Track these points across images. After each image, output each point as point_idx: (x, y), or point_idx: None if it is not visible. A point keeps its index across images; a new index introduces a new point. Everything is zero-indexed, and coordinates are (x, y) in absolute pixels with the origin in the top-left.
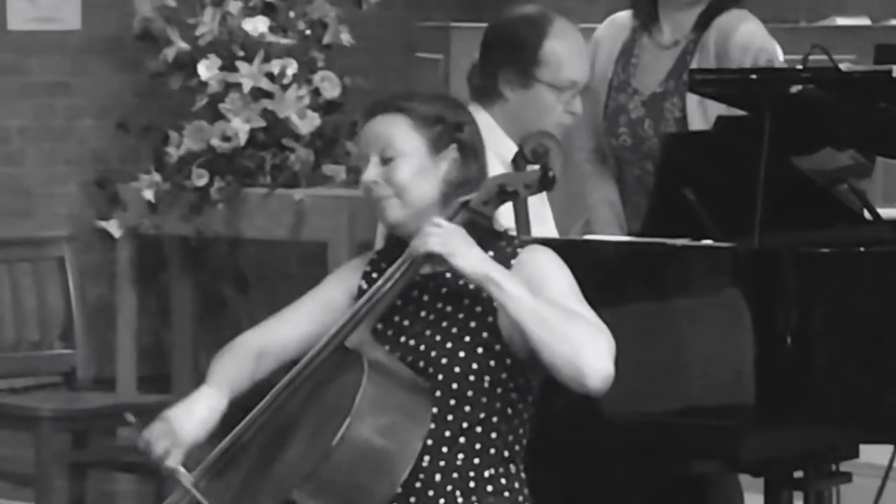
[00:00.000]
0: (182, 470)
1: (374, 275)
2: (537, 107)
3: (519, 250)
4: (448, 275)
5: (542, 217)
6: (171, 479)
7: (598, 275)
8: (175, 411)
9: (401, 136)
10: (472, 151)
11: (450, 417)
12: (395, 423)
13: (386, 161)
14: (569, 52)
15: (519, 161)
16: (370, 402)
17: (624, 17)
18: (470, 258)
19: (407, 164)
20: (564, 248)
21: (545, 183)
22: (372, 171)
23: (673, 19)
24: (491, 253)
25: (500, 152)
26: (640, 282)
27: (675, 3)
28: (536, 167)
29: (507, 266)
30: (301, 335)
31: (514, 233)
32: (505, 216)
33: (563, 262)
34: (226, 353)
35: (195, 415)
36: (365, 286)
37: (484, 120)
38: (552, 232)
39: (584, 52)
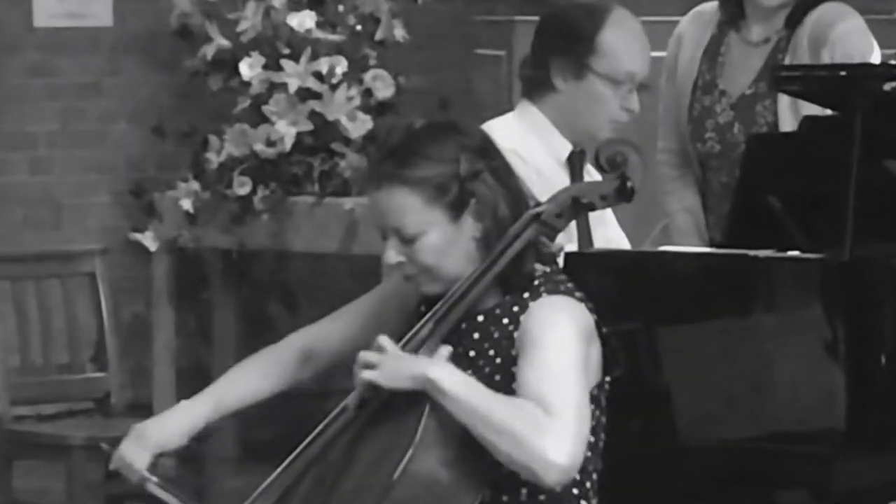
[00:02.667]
0: (147, 474)
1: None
2: (590, 100)
3: (544, 294)
4: (480, 318)
5: (604, 219)
6: (139, 485)
7: (675, 290)
8: (147, 422)
9: (414, 214)
10: (498, 191)
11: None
12: (460, 455)
13: (406, 242)
14: (627, 43)
15: (575, 162)
16: (433, 432)
17: (710, 9)
18: (408, 370)
19: (428, 242)
20: (638, 261)
21: (623, 194)
22: (392, 254)
23: (763, 14)
24: (514, 306)
25: (553, 151)
26: (720, 297)
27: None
28: (613, 177)
29: (517, 323)
30: (346, 341)
31: (571, 248)
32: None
33: (569, 321)
34: (258, 354)
35: (166, 420)
36: (424, 309)
37: (535, 117)
38: (617, 234)
39: (645, 45)
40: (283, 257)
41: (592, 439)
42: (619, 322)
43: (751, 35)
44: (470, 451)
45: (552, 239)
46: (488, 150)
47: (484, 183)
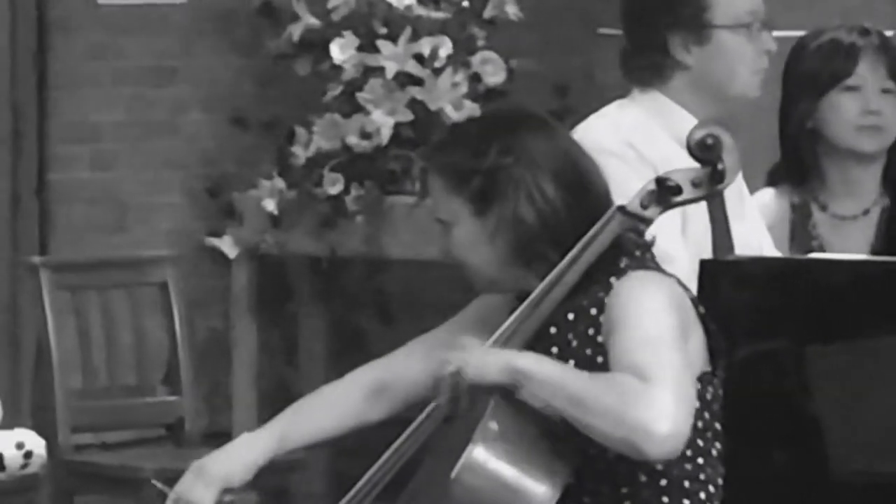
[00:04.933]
0: None
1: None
2: (725, 59)
3: (629, 272)
4: (569, 315)
5: (744, 214)
6: None
7: (827, 303)
8: (206, 457)
9: (441, 200)
10: (526, 194)
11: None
12: (532, 449)
13: (443, 228)
14: None
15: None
16: (496, 426)
17: (769, 195)
18: (484, 365)
19: (455, 234)
20: (783, 270)
21: (715, 179)
22: (442, 241)
23: (849, 181)
24: (599, 292)
25: (680, 136)
26: (879, 311)
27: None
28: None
29: (601, 306)
30: (425, 375)
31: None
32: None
33: (658, 291)
34: (322, 390)
35: (230, 454)
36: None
37: (656, 102)
38: (759, 232)
39: None
40: (378, 265)
41: (702, 443)
42: (761, 340)
43: (840, 208)
44: (544, 445)
45: (642, 233)
46: (534, 154)
47: (512, 181)
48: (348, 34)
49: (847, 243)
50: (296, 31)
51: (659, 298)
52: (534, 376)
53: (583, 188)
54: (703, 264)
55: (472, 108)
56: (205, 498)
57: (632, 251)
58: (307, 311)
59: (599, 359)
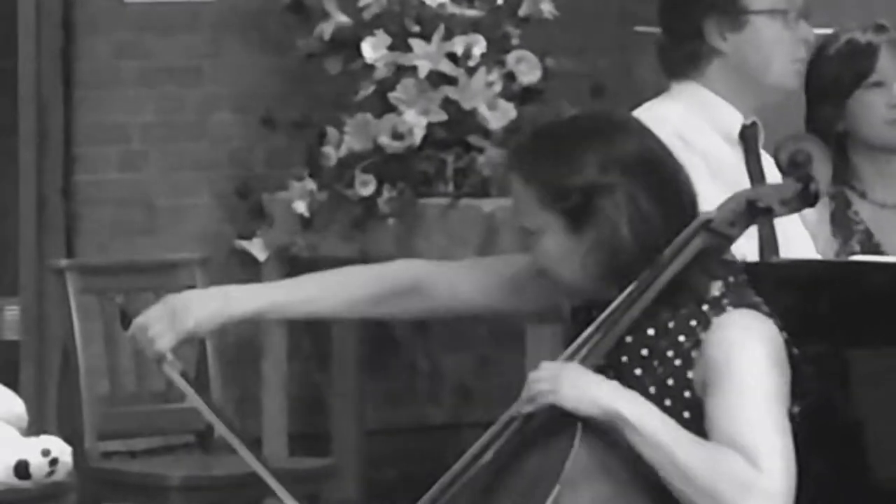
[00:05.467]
0: (171, 357)
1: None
2: (761, 46)
3: (729, 308)
4: (649, 331)
5: (792, 229)
6: (157, 366)
7: (871, 306)
8: (188, 293)
9: (528, 209)
10: (627, 216)
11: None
12: (617, 492)
13: (527, 234)
14: None
15: (748, 137)
16: (583, 467)
17: None
18: (584, 396)
19: (543, 244)
20: (827, 273)
21: (806, 198)
22: (523, 240)
23: (885, 174)
24: (705, 306)
25: (721, 127)
26: None
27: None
28: (795, 178)
29: (695, 341)
30: (471, 295)
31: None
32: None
33: (760, 343)
34: (355, 267)
35: (207, 302)
36: (578, 304)
37: (695, 93)
38: (800, 239)
39: None
40: None
41: None
42: (804, 344)
43: (878, 195)
44: (630, 488)
45: (724, 250)
46: (632, 165)
47: (612, 200)
48: (380, 32)
49: (891, 231)
50: (327, 29)
51: (762, 354)
52: (639, 430)
53: (675, 195)
54: (747, 268)
55: (506, 108)
56: (165, 339)
57: (725, 276)
58: None
59: (686, 393)
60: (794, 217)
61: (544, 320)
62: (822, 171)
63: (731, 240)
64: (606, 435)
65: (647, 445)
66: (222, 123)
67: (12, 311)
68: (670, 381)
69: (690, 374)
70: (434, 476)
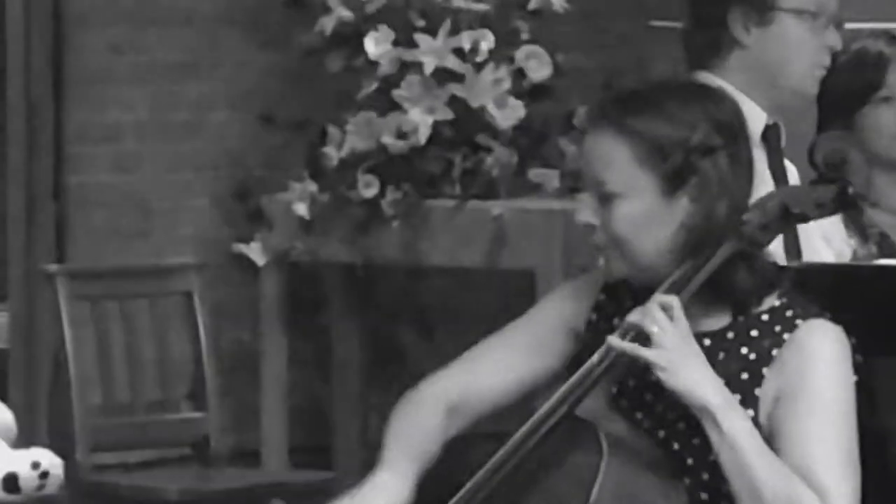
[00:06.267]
0: None
1: (610, 308)
2: (785, 45)
3: (799, 322)
4: (706, 341)
5: (830, 235)
6: None
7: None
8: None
9: (619, 169)
10: (724, 183)
11: None
12: None
13: (603, 200)
14: None
15: (771, 137)
16: (611, 492)
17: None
18: (689, 380)
19: (627, 209)
20: (851, 277)
21: (843, 202)
22: (585, 211)
23: (892, 180)
24: (765, 316)
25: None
26: None
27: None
28: (831, 181)
29: (780, 342)
30: (505, 386)
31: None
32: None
33: (842, 358)
34: (407, 411)
35: None
36: (595, 318)
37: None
38: (820, 238)
39: None
40: (416, 273)
41: None
42: None
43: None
44: (660, 496)
45: (756, 256)
46: (736, 133)
47: (715, 164)
48: (383, 27)
49: None
50: (328, 24)
51: (845, 368)
52: (722, 431)
53: (746, 188)
54: None
55: (515, 106)
56: None
57: (783, 285)
58: (341, 322)
59: (750, 412)
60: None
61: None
62: (858, 176)
63: (761, 245)
64: (632, 450)
65: (723, 446)
66: (219, 122)
67: (1, 318)
68: (737, 396)
69: (758, 392)
70: (439, 490)
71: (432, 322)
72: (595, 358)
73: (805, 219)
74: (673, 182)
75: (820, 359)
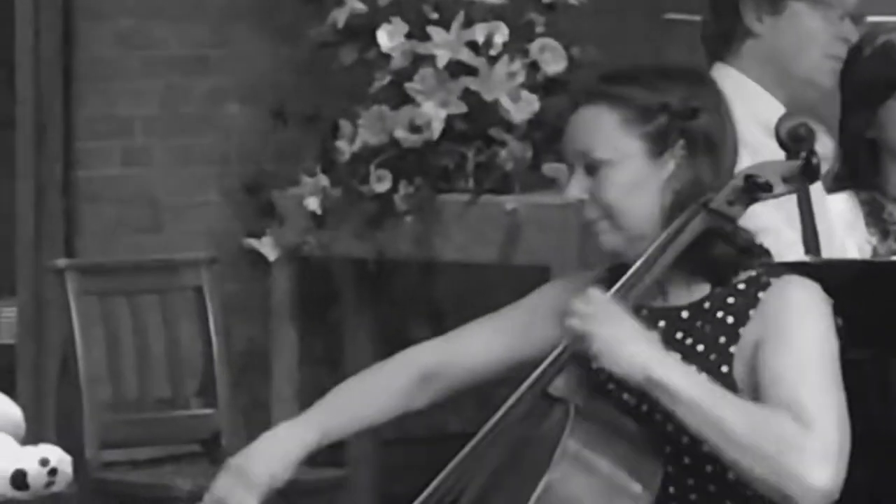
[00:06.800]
0: None
1: None
2: (798, 34)
3: (772, 280)
4: (684, 314)
5: (822, 213)
6: None
7: None
8: (241, 455)
9: (606, 136)
10: (709, 143)
11: (690, 482)
12: (611, 484)
13: (591, 171)
14: None
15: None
16: (574, 455)
17: (842, 199)
18: (624, 356)
19: (616, 175)
20: (868, 274)
21: (808, 173)
22: (574, 186)
23: None
24: (741, 285)
25: (758, 113)
26: None
27: None
28: (797, 155)
29: (754, 299)
30: (486, 361)
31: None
32: (763, 216)
33: (819, 306)
34: (372, 371)
35: (272, 451)
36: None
37: (732, 78)
38: (839, 232)
39: None
40: (429, 268)
41: None
42: (842, 350)
43: None
44: (625, 478)
45: (728, 231)
46: (718, 102)
47: (699, 125)
48: (396, 20)
49: None
50: (340, 16)
51: (824, 316)
52: (675, 395)
53: (737, 146)
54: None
55: (529, 100)
56: (247, 502)
57: (761, 257)
58: (353, 318)
59: (724, 368)
60: (834, 218)
61: None
62: (823, 148)
63: (732, 220)
64: (602, 419)
65: (684, 409)
66: (230, 116)
67: (9, 314)
68: (713, 357)
69: (733, 349)
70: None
71: (445, 319)
72: (557, 350)
73: (770, 189)
74: (658, 144)
75: (798, 303)
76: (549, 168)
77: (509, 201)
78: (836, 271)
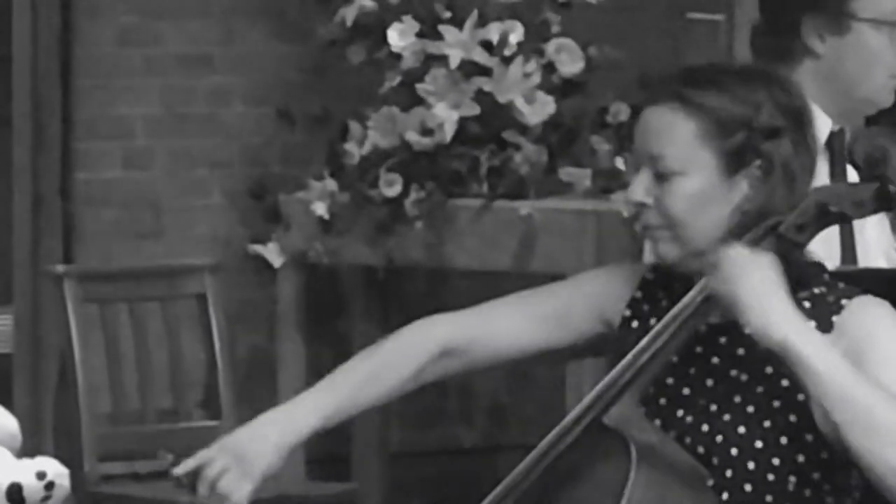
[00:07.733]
0: None
1: (646, 306)
2: (861, 56)
3: (844, 301)
4: (721, 339)
5: (860, 225)
6: None
7: None
8: (242, 433)
9: (680, 146)
10: (786, 169)
11: None
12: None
13: (661, 178)
14: None
15: (835, 145)
16: (640, 500)
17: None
18: (767, 313)
19: (685, 187)
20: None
21: (883, 200)
22: (639, 189)
23: None
24: (807, 303)
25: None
26: None
27: None
28: (870, 179)
29: (828, 323)
30: (514, 346)
31: (834, 266)
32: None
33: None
34: (386, 345)
35: (271, 438)
36: (629, 315)
37: None
38: (873, 246)
39: None
40: (441, 276)
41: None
42: None
43: None
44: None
45: (794, 257)
46: (801, 119)
47: (778, 148)
48: (408, 18)
49: None
50: (349, 14)
51: None
52: (807, 362)
53: (815, 166)
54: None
55: (545, 101)
56: (243, 490)
57: (813, 272)
58: (361, 326)
59: (800, 397)
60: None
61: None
62: None
63: (800, 246)
64: (663, 460)
65: (817, 381)
66: (235, 117)
67: (5, 321)
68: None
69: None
70: (468, 499)
71: None
72: (678, 307)
73: (844, 218)
74: (733, 162)
75: (882, 323)
76: (566, 173)
77: (524, 207)
78: (874, 281)
